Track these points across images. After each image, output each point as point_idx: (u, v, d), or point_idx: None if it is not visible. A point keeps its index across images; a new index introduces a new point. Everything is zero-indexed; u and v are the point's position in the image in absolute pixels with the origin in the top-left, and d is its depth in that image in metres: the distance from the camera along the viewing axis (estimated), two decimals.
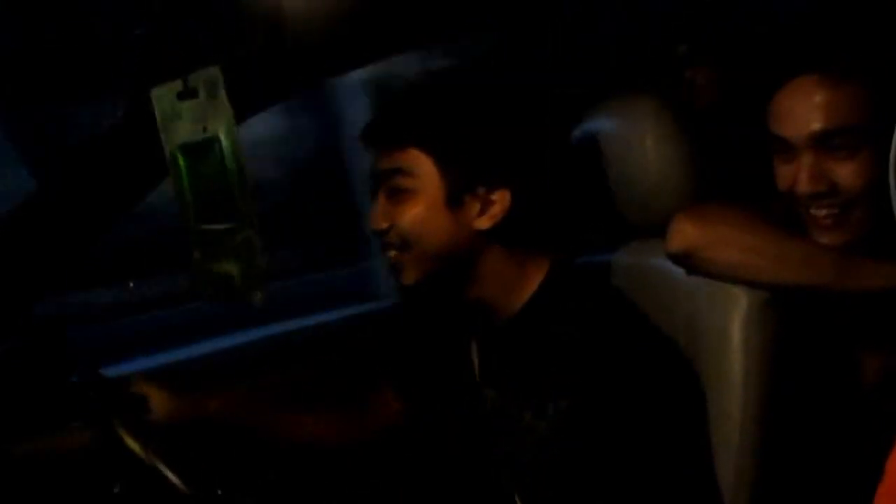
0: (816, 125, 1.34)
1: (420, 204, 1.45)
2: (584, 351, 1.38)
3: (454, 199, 1.45)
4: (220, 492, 1.37)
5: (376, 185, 1.51)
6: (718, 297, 1.44)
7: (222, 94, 1.20)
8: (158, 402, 1.55)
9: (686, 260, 1.43)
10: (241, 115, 1.25)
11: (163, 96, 1.28)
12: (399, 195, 1.47)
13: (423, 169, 1.45)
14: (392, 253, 1.49)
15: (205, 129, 1.24)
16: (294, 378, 1.87)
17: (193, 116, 1.25)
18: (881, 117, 1.30)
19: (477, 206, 1.45)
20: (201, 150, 1.27)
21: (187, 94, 1.24)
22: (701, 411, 1.45)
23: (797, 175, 1.36)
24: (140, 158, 1.46)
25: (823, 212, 1.36)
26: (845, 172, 1.34)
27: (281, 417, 1.68)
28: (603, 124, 1.60)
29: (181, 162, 1.32)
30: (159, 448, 1.42)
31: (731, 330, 1.42)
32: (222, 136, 1.21)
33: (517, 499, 1.48)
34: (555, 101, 1.63)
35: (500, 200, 1.45)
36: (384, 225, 1.48)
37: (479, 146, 1.45)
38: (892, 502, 0.88)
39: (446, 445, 1.71)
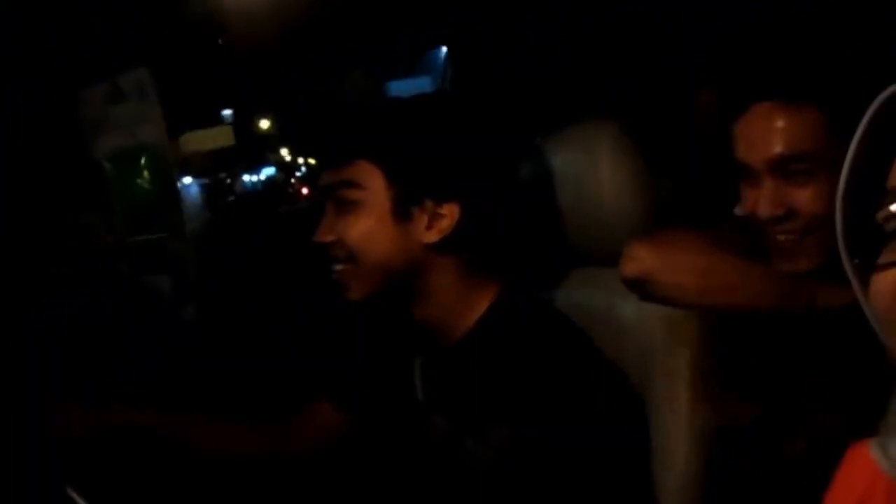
0: (775, 150, 1.34)
1: (367, 217, 1.43)
2: (529, 378, 1.36)
3: (402, 212, 1.43)
4: None
5: (324, 198, 1.49)
6: (669, 321, 1.43)
7: (153, 96, 1.15)
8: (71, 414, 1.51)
9: (641, 285, 1.43)
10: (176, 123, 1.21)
11: (91, 100, 1.23)
12: (346, 207, 1.45)
13: (372, 181, 1.43)
14: (338, 267, 1.47)
15: (134, 136, 1.19)
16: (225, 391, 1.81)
17: (123, 122, 1.20)
18: (839, 144, 1.30)
19: (425, 220, 1.43)
20: (130, 157, 1.22)
21: (117, 96, 1.19)
22: (646, 439, 1.42)
23: (757, 199, 1.37)
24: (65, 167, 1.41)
25: (783, 237, 1.37)
26: (803, 197, 1.34)
27: (210, 429, 1.65)
28: (559, 150, 1.59)
29: (109, 170, 1.27)
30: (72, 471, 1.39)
31: (680, 353, 1.41)
32: (153, 143, 1.16)
33: None
34: (510, 118, 1.62)
35: (449, 214, 1.43)
36: (329, 238, 1.46)
37: (428, 159, 1.44)
38: None
39: (386, 464, 1.69)
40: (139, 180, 1.20)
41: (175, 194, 1.18)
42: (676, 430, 1.40)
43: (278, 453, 1.69)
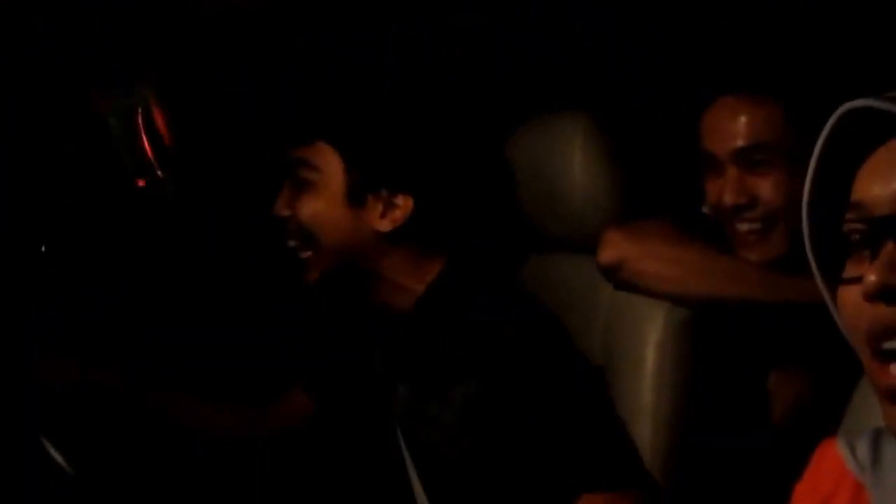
0: (740, 141, 1.39)
1: (320, 198, 1.47)
2: (487, 334, 1.39)
3: (356, 197, 1.46)
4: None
5: (283, 175, 1.52)
6: (635, 320, 1.44)
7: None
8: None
9: (616, 272, 1.45)
10: None
11: None
12: (302, 187, 1.48)
13: (328, 163, 1.47)
14: (292, 242, 1.51)
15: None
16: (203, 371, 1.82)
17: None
18: (799, 137, 1.35)
19: (379, 208, 1.46)
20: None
21: None
22: (608, 403, 1.44)
23: (722, 189, 1.41)
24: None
25: (746, 226, 1.41)
26: (766, 186, 1.39)
27: (184, 402, 1.68)
28: (533, 140, 1.60)
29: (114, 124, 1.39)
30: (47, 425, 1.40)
31: (644, 354, 1.42)
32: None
33: (423, 490, 1.49)
34: (477, 115, 1.64)
35: (403, 205, 1.46)
36: (285, 212, 1.50)
37: (388, 147, 1.47)
38: None
39: (355, 442, 1.73)
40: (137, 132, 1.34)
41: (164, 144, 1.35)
42: (640, 420, 1.41)
43: (254, 435, 1.72)
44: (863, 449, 0.85)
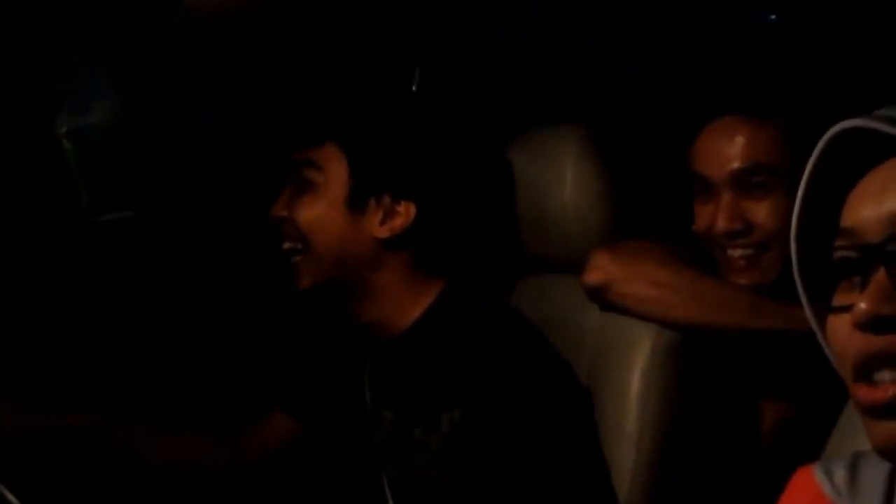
0: (735, 164, 1.37)
1: (321, 200, 1.45)
2: (474, 363, 1.36)
3: (357, 202, 1.44)
4: None
5: (286, 175, 1.50)
6: (622, 344, 1.43)
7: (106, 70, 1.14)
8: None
9: (602, 293, 1.43)
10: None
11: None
12: (303, 188, 1.47)
13: (334, 166, 1.45)
14: (287, 245, 1.48)
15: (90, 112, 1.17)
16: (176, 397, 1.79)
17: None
18: (796, 161, 1.32)
19: (380, 214, 1.44)
20: (88, 134, 1.19)
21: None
22: (593, 433, 1.43)
23: (715, 214, 1.39)
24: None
25: (738, 252, 1.39)
26: (761, 212, 1.37)
27: (158, 438, 1.63)
28: (524, 156, 1.58)
29: (68, 149, 1.25)
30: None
31: (629, 380, 1.41)
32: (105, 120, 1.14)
33: None
34: (479, 126, 1.63)
35: (405, 213, 1.44)
36: (283, 214, 1.48)
37: (394, 154, 1.45)
38: None
39: (338, 468, 1.69)
40: (99, 157, 1.19)
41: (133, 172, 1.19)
42: (623, 446, 1.41)
43: (230, 463, 1.67)
44: (840, 474, 0.83)
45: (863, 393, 0.71)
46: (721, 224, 1.38)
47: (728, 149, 1.38)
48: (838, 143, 0.76)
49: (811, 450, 1.10)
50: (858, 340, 0.71)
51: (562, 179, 1.51)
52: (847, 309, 0.72)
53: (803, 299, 0.81)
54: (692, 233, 1.46)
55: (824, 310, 0.77)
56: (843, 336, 0.73)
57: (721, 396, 1.46)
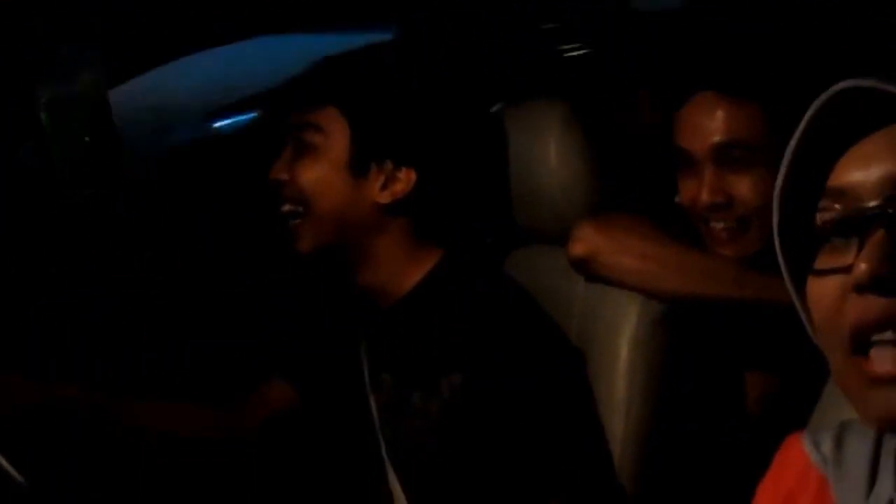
0: (717, 138, 1.38)
1: (322, 162, 1.44)
2: (475, 328, 1.37)
3: (359, 166, 1.44)
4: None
5: (286, 138, 1.49)
6: (609, 315, 1.44)
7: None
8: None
9: (587, 265, 1.44)
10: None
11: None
12: (304, 150, 1.46)
13: (335, 129, 1.44)
14: (286, 207, 1.47)
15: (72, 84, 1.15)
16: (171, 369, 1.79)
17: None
18: (777, 138, 1.30)
19: (381, 180, 1.44)
20: (68, 106, 1.17)
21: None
22: (587, 401, 1.44)
23: (698, 187, 1.40)
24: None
25: (721, 225, 1.40)
26: (742, 185, 1.38)
27: (157, 408, 1.60)
28: (509, 130, 1.58)
29: (46, 121, 1.22)
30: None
31: (619, 349, 1.42)
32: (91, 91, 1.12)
33: (400, 483, 1.47)
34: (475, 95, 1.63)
35: (406, 179, 1.44)
36: (283, 176, 1.46)
37: (397, 119, 1.45)
38: None
39: (336, 435, 1.69)
40: (77, 131, 1.16)
41: (116, 146, 1.16)
42: (613, 413, 1.42)
43: (230, 432, 1.65)
44: (827, 443, 0.83)
45: (862, 366, 0.70)
46: (704, 197, 1.38)
47: (709, 123, 1.38)
48: (827, 111, 0.75)
49: (797, 419, 1.08)
50: (856, 303, 0.70)
51: (546, 153, 1.50)
52: (834, 272, 0.72)
53: (782, 264, 0.80)
54: (675, 205, 1.47)
55: (803, 276, 0.76)
56: (831, 301, 0.72)
57: (708, 366, 1.47)
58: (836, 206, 0.74)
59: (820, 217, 0.75)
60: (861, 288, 0.69)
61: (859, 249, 0.70)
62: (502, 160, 1.56)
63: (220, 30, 1.67)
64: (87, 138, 1.17)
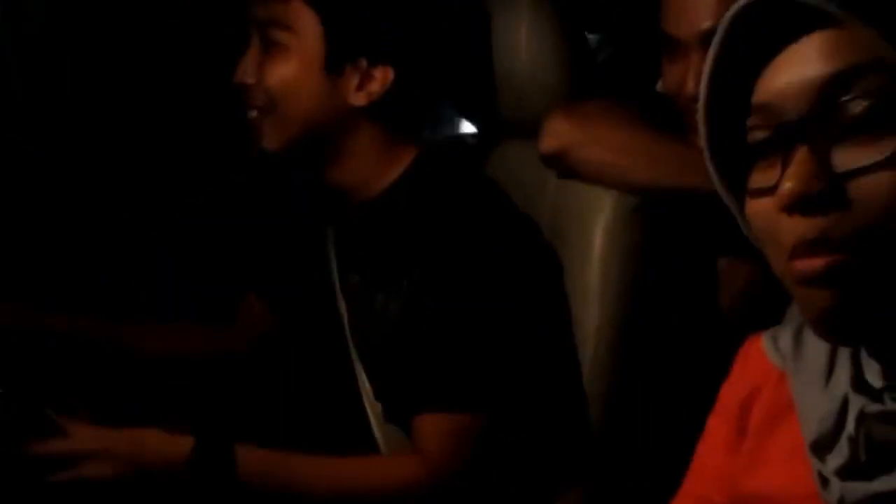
0: (707, 23, 1.33)
1: (293, 62, 1.37)
2: (440, 228, 1.35)
3: (333, 66, 1.37)
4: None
5: (251, 35, 1.41)
6: (583, 207, 1.42)
7: None
8: None
9: (559, 160, 1.41)
10: None
11: None
12: (272, 49, 1.38)
13: (305, 25, 1.36)
14: (254, 113, 1.41)
15: None
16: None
17: None
18: None
19: (356, 79, 1.38)
20: None
21: None
22: (559, 300, 1.43)
23: (685, 75, 1.36)
24: None
25: None
26: None
27: (137, 330, 1.60)
28: (478, 11, 1.53)
29: None
30: None
31: (592, 240, 1.40)
32: None
33: (367, 380, 1.46)
34: None
35: (381, 78, 1.38)
36: (250, 80, 1.40)
37: (372, 15, 1.37)
38: (719, 418, 0.90)
39: (312, 342, 1.65)
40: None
41: None
42: (587, 305, 1.41)
43: (227, 350, 1.66)
44: (785, 340, 0.83)
45: (799, 264, 0.68)
46: (691, 85, 1.34)
47: (699, 8, 1.33)
48: (748, 19, 0.72)
49: (775, 314, 1.06)
50: (788, 225, 0.69)
51: (516, 41, 1.47)
52: (768, 192, 0.70)
53: (715, 180, 0.78)
54: (655, 91, 1.44)
55: (741, 190, 0.75)
56: (768, 218, 0.71)
57: (684, 255, 1.45)
58: (759, 122, 0.72)
59: (749, 136, 0.73)
60: (788, 209, 0.68)
61: (783, 168, 0.69)
62: (481, 52, 1.51)
63: None
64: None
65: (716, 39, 0.74)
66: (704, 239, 1.45)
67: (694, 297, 1.47)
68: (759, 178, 0.72)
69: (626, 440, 1.43)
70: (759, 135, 0.72)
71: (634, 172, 1.37)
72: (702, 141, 0.78)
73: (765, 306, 1.28)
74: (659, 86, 1.45)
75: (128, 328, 1.59)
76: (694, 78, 1.34)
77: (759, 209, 0.72)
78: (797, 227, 0.68)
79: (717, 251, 1.46)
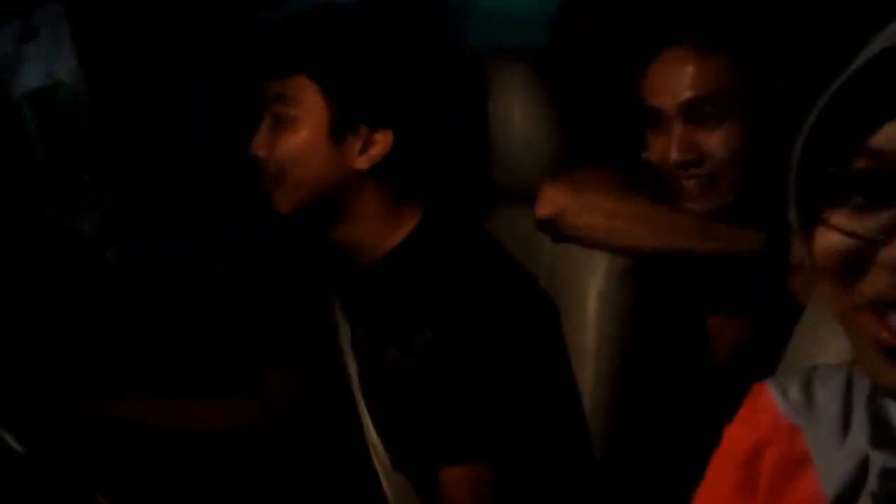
0: (687, 94, 1.38)
1: (301, 133, 1.42)
2: (451, 287, 1.39)
3: (337, 134, 1.42)
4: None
5: (264, 111, 1.47)
6: (576, 269, 1.46)
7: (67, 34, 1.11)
8: None
9: (553, 225, 1.45)
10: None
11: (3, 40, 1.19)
12: (281, 124, 1.43)
13: (308, 98, 1.42)
14: (267, 182, 1.46)
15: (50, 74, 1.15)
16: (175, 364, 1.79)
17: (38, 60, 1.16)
18: (748, 90, 1.38)
19: (358, 145, 1.42)
20: (48, 96, 1.17)
21: (29, 35, 1.14)
22: (560, 360, 1.46)
23: (668, 145, 1.40)
24: None
25: (692, 182, 1.40)
26: (713, 141, 1.38)
27: (161, 405, 1.63)
28: (474, 84, 1.57)
29: (27, 111, 1.22)
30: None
31: (587, 303, 1.44)
32: (68, 81, 1.12)
33: (374, 432, 1.50)
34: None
35: (382, 141, 1.42)
36: (262, 153, 1.45)
37: (369, 82, 1.43)
38: (724, 464, 0.88)
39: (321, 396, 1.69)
40: (60, 119, 1.15)
41: (99, 131, 1.16)
42: (583, 369, 1.45)
43: (247, 424, 1.67)
44: (794, 391, 0.83)
45: (877, 328, 0.68)
46: (674, 155, 1.39)
47: (679, 80, 1.38)
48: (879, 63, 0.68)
49: (769, 368, 1.11)
50: (879, 279, 0.68)
51: (509, 111, 1.51)
52: (858, 236, 0.69)
53: (792, 209, 0.75)
54: (641, 161, 1.47)
55: (813, 217, 0.73)
56: (845, 258, 0.70)
57: (676, 316, 1.49)
58: (872, 165, 0.69)
59: (847, 170, 0.70)
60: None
61: (889, 221, 0.67)
62: (476, 119, 1.56)
63: None
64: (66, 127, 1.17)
65: (841, 78, 0.71)
66: (695, 298, 1.48)
67: (686, 354, 1.49)
68: (845, 218, 0.70)
69: (624, 489, 1.46)
70: (863, 176, 0.69)
71: (626, 236, 1.41)
72: (793, 161, 0.74)
73: (757, 359, 1.33)
74: (644, 156, 1.48)
75: (168, 403, 1.62)
76: (676, 147, 1.39)
77: (836, 245, 0.71)
78: (882, 281, 0.68)
79: (707, 310, 1.50)
